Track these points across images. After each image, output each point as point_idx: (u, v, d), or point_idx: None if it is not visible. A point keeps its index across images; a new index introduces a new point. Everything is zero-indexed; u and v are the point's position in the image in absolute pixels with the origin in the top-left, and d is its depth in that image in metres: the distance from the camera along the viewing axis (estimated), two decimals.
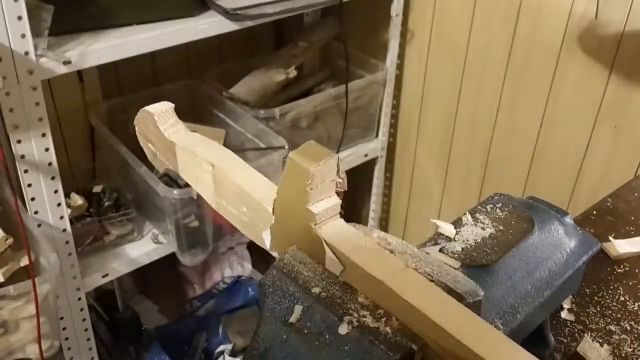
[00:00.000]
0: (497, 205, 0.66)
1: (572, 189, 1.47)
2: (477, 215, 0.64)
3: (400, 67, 1.75)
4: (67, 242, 1.24)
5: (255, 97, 1.55)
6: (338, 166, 0.50)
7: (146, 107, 0.65)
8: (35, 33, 1.05)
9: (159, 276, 1.86)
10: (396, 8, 1.63)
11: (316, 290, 0.49)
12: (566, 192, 1.49)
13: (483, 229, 0.62)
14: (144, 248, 1.41)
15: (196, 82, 1.63)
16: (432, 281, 0.49)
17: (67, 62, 1.08)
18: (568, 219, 0.66)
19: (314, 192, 0.49)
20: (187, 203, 1.32)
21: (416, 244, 0.59)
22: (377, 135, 1.83)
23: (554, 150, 1.48)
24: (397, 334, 0.45)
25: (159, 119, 0.65)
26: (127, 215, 1.39)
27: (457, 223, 0.64)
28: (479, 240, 0.61)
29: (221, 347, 1.73)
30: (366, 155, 1.81)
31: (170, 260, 1.48)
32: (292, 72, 1.58)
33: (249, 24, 1.29)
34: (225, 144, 1.52)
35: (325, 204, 0.50)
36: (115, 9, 1.19)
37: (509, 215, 0.64)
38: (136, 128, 0.70)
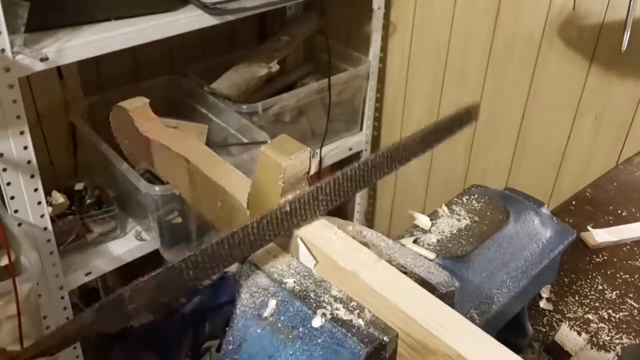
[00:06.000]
0: (473, 197, 0.66)
1: (555, 179, 1.48)
2: (454, 206, 0.65)
3: (383, 60, 1.75)
4: (48, 241, 1.22)
5: (238, 92, 1.54)
6: (310, 160, 0.50)
7: (121, 103, 0.65)
8: (11, 30, 1.04)
9: (144, 273, 1.85)
10: (378, 1, 1.62)
11: (290, 284, 0.49)
12: (549, 182, 1.50)
13: (459, 220, 0.62)
14: (127, 245, 1.40)
15: (178, 78, 1.62)
16: (405, 273, 0.49)
17: (44, 59, 1.06)
18: (544, 210, 0.66)
19: (287, 186, 0.49)
20: (169, 199, 1.31)
21: None
22: (361, 129, 1.83)
23: (536, 141, 1.49)
24: (369, 325, 0.45)
25: (134, 115, 0.64)
26: (110, 213, 1.38)
27: (434, 215, 0.64)
28: (454, 231, 0.61)
29: (208, 343, 1.73)
30: (350, 149, 1.81)
31: (155, 257, 1.47)
32: (275, 67, 1.58)
33: (229, 18, 1.28)
34: (208, 139, 1.52)
35: None
36: (93, 4, 1.17)
37: (485, 206, 0.64)
38: (112, 124, 0.69)
